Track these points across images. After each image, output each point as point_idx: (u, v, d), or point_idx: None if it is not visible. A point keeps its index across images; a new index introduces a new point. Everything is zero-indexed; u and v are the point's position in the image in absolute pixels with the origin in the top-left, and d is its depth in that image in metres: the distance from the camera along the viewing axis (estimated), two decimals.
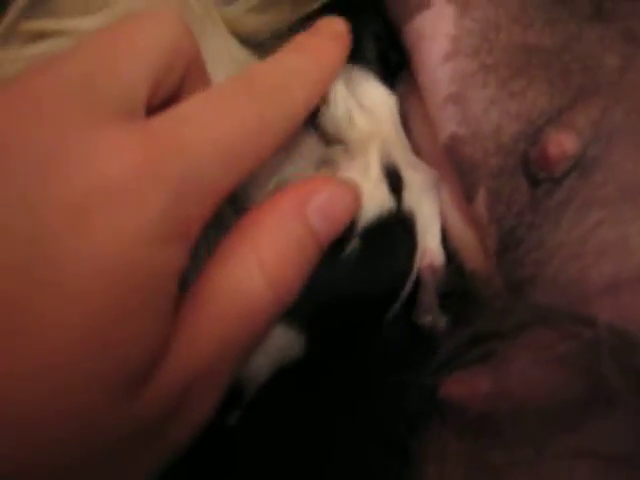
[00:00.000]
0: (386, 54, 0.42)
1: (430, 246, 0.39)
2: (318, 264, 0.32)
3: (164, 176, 0.25)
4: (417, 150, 0.41)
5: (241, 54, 0.42)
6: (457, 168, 0.39)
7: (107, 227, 0.24)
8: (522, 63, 0.38)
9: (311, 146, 0.42)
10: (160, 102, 0.29)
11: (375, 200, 0.37)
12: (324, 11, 0.44)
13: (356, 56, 0.41)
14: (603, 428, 0.29)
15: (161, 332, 0.25)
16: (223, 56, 0.40)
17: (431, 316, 0.39)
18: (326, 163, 0.40)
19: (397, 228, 0.37)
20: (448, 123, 0.39)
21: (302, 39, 0.36)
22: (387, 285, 0.37)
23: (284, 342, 0.34)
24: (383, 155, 0.39)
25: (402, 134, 0.41)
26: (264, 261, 0.29)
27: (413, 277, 0.39)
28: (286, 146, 0.42)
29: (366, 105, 0.40)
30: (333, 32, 0.37)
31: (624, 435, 0.28)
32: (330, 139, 0.41)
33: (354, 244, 0.36)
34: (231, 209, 0.41)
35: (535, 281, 0.35)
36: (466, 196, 0.39)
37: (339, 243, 0.35)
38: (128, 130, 0.25)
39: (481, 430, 0.32)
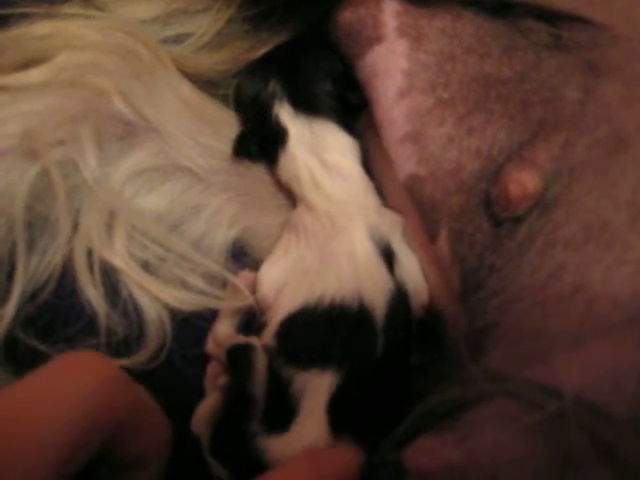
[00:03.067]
0: (345, 96, 0.40)
1: (416, 286, 0.38)
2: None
3: None
4: (379, 188, 0.40)
5: (195, 97, 0.41)
6: (418, 208, 0.38)
7: None
8: (480, 96, 0.37)
9: (278, 199, 0.41)
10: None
11: (382, 290, 0.36)
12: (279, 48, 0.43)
13: (314, 102, 0.39)
14: None
15: None
16: (175, 104, 0.39)
17: None
18: (291, 229, 0.39)
19: (399, 302, 0.37)
20: (407, 163, 0.37)
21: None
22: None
23: None
24: (370, 230, 0.37)
25: (368, 184, 0.39)
26: None
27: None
28: (250, 192, 0.41)
29: (329, 162, 0.38)
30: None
31: None
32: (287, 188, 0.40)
33: (380, 342, 0.35)
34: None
35: (498, 329, 0.34)
36: (429, 235, 0.38)
37: (368, 351, 0.35)
38: None
39: None
